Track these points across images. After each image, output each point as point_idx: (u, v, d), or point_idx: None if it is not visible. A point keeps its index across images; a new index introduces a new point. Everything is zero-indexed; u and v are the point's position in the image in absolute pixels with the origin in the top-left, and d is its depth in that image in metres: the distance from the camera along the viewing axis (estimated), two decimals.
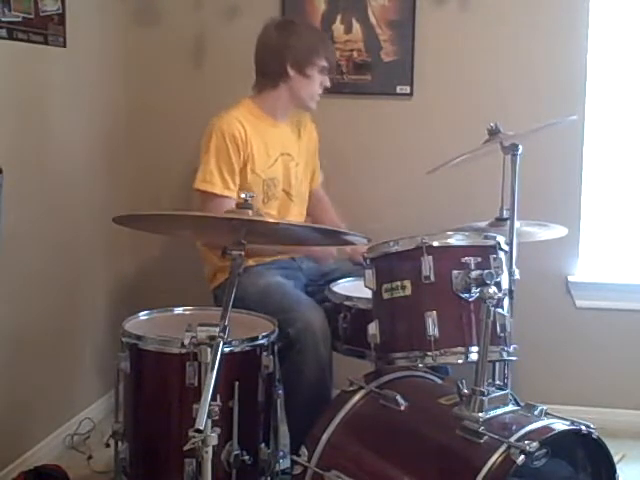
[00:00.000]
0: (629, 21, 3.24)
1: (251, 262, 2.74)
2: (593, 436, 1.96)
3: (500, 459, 1.85)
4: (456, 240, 2.18)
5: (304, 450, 2.17)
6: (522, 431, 1.91)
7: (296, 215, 2.92)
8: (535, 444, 1.84)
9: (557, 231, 2.76)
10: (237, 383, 2.16)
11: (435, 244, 2.13)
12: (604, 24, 3.22)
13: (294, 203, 2.92)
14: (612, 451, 2.02)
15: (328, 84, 2.86)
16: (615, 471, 2.03)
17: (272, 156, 2.83)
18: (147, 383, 2.30)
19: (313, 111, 2.91)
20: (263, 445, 2.30)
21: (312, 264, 2.95)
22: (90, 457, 2.84)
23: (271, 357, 2.28)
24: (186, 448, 1.76)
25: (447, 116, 3.29)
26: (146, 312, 2.46)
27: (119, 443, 2.31)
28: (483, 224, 2.69)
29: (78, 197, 3.07)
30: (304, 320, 2.50)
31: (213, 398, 1.75)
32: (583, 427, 1.95)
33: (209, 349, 1.86)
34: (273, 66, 2.80)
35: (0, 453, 2.65)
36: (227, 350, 2.00)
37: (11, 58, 2.63)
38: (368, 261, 2.24)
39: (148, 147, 3.46)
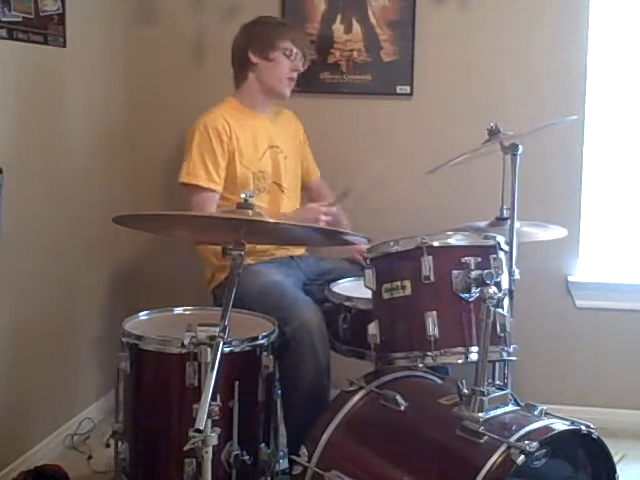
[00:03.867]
0: (629, 21, 3.24)
1: (250, 260, 2.74)
2: (593, 436, 1.96)
3: (500, 459, 1.86)
4: (456, 240, 2.18)
5: (304, 450, 2.18)
6: (522, 431, 1.91)
7: (288, 208, 2.93)
8: (535, 444, 1.84)
9: (557, 231, 2.76)
10: (237, 383, 2.16)
11: (435, 244, 2.13)
12: (604, 24, 3.22)
13: (286, 195, 2.93)
14: (612, 451, 2.02)
15: (300, 69, 2.86)
16: (615, 471, 2.03)
17: (260, 149, 2.85)
18: (147, 383, 2.30)
19: (287, 99, 2.90)
20: (263, 445, 2.30)
21: (311, 262, 2.95)
22: (90, 457, 2.83)
23: (271, 357, 2.28)
24: (186, 448, 1.76)
25: (447, 116, 3.29)
26: (146, 312, 2.46)
27: (119, 443, 2.31)
28: (483, 224, 2.69)
29: (78, 197, 3.07)
30: (301, 319, 2.50)
31: (213, 398, 1.76)
32: (583, 427, 1.95)
33: (209, 349, 1.86)
34: (239, 58, 2.87)
35: (0, 453, 2.65)
36: (227, 350, 2.00)
37: (11, 58, 2.63)
38: (368, 261, 2.24)
39: (148, 147, 3.46)
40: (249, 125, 2.84)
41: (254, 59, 2.83)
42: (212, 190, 2.73)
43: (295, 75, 2.86)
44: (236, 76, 2.91)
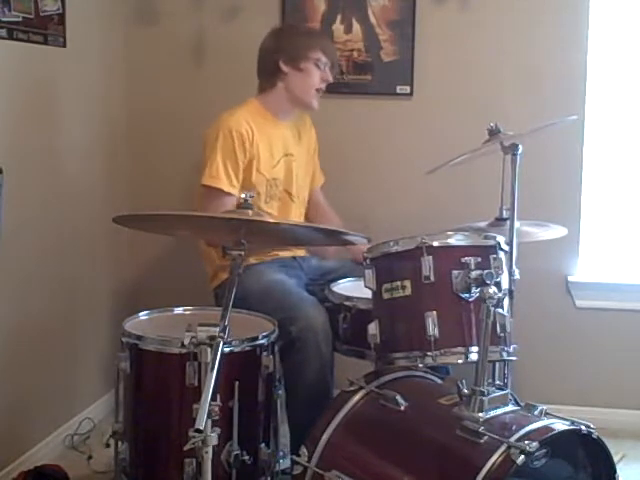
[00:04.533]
0: (629, 21, 3.24)
1: (252, 260, 2.74)
2: (593, 436, 1.96)
3: (500, 459, 1.86)
4: (456, 240, 2.18)
5: (304, 450, 2.18)
6: (522, 431, 1.91)
7: (296, 216, 2.93)
8: (535, 444, 1.84)
9: (557, 231, 2.76)
10: (237, 383, 2.16)
11: (435, 244, 2.13)
12: (604, 24, 3.22)
13: (295, 204, 2.92)
14: (612, 451, 2.02)
15: (330, 79, 2.86)
16: (615, 471, 2.03)
17: (276, 156, 2.84)
18: (147, 383, 2.30)
19: (314, 110, 2.89)
20: (263, 445, 2.30)
21: (313, 263, 2.95)
22: (90, 457, 2.83)
23: (271, 357, 2.28)
24: (186, 448, 1.76)
25: (447, 116, 3.29)
26: (146, 312, 2.46)
27: (119, 443, 2.31)
28: (483, 224, 2.69)
29: (78, 197, 3.07)
30: (306, 319, 2.50)
31: (213, 398, 1.76)
32: (583, 427, 1.95)
33: (209, 349, 1.86)
34: (268, 66, 2.84)
35: (0, 453, 2.65)
36: (227, 350, 2.00)
37: (11, 58, 2.63)
38: (368, 261, 2.24)
39: (148, 147, 3.46)
40: (268, 132, 2.82)
41: (285, 68, 2.80)
42: (231, 194, 2.71)
43: (324, 86, 2.85)
44: (262, 81, 2.88)
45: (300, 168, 2.94)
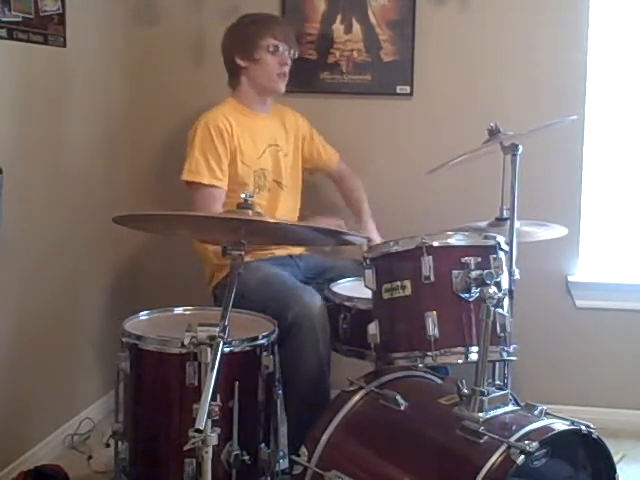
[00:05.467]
0: (629, 21, 3.24)
1: (249, 258, 2.74)
2: (593, 436, 1.97)
3: (500, 459, 1.86)
4: (456, 240, 2.18)
5: (304, 450, 2.18)
6: (522, 431, 1.91)
7: (287, 205, 2.95)
8: (535, 444, 1.84)
9: (557, 231, 2.76)
10: (237, 383, 2.16)
11: (435, 244, 2.13)
12: (604, 24, 3.22)
13: (285, 193, 2.94)
14: (612, 451, 2.02)
15: (288, 62, 2.88)
16: (615, 471, 2.03)
17: (260, 147, 2.87)
18: (147, 383, 2.30)
19: (281, 94, 2.91)
20: (263, 445, 2.30)
21: (310, 262, 2.95)
22: (90, 457, 2.83)
23: (271, 357, 2.28)
24: (186, 448, 1.76)
25: (447, 116, 3.29)
26: (146, 312, 2.46)
27: (119, 443, 2.31)
28: (483, 224, 2.69)
29: (78, 197, 3.07)
30: (301, 304, 2.50)
31: (213, 398, 1.76)
32: (583, 427, 1.95)
33: (209, 349, 1.86)
34: (229, 64, 2.91)
35: (0, 453, 2.65)
36: (227, 350, 2.00)
37: (11, 58, 2.63)
38: (368, 261, 2.24)
39: (148, 146, 3.46)
40: (249, 124, 2.86)
41: (242, 63, 2.85)
42: (216, 187, 2.74)
43: (286, 69, 2.87)
44: (229, 80, 2.94)
45: (288, 158, 2.96)
